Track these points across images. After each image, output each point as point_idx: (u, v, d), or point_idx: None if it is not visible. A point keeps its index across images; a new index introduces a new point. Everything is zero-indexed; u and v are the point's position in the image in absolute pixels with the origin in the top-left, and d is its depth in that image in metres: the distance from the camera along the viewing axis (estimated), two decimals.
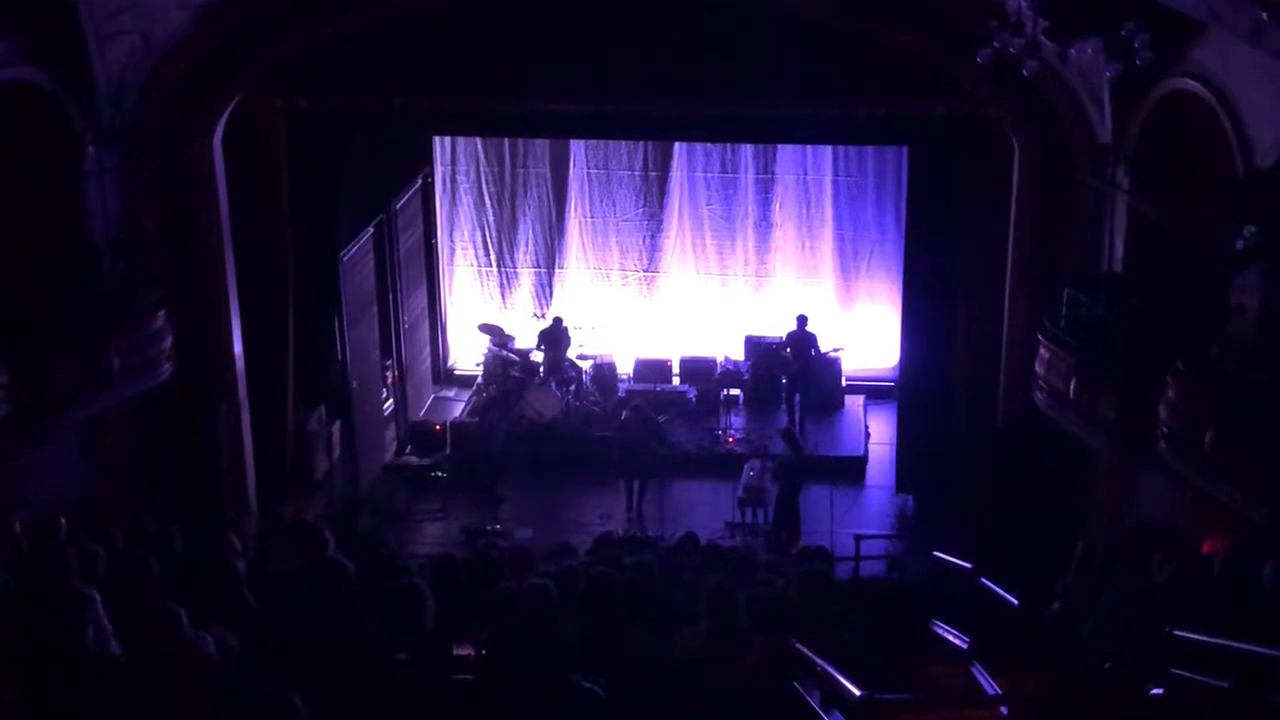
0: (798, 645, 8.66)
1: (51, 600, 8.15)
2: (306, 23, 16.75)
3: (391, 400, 21.85)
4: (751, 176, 23.76)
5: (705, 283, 24.20)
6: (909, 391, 20.06)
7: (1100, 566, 11.45)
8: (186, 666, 6.90)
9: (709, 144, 23.29)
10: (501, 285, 24.51)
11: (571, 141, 23.51)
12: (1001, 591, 11.56)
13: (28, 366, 14.40)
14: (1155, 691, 8.76)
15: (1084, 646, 9.80)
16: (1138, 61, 9.15)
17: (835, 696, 8.31)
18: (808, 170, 23.60)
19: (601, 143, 23.53)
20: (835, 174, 23.54)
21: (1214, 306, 13.85)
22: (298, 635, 7.90)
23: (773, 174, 23.72)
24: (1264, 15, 10.68)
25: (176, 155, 16.93)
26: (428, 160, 23.59)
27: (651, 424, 19.79)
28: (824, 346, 22.15)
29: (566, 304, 23.84)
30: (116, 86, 16.01)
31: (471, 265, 24.52)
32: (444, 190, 24.15)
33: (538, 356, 22.57)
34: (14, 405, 14.16)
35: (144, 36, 15.84)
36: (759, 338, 23.18)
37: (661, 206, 23.93)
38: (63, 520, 10.95)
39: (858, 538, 16.56)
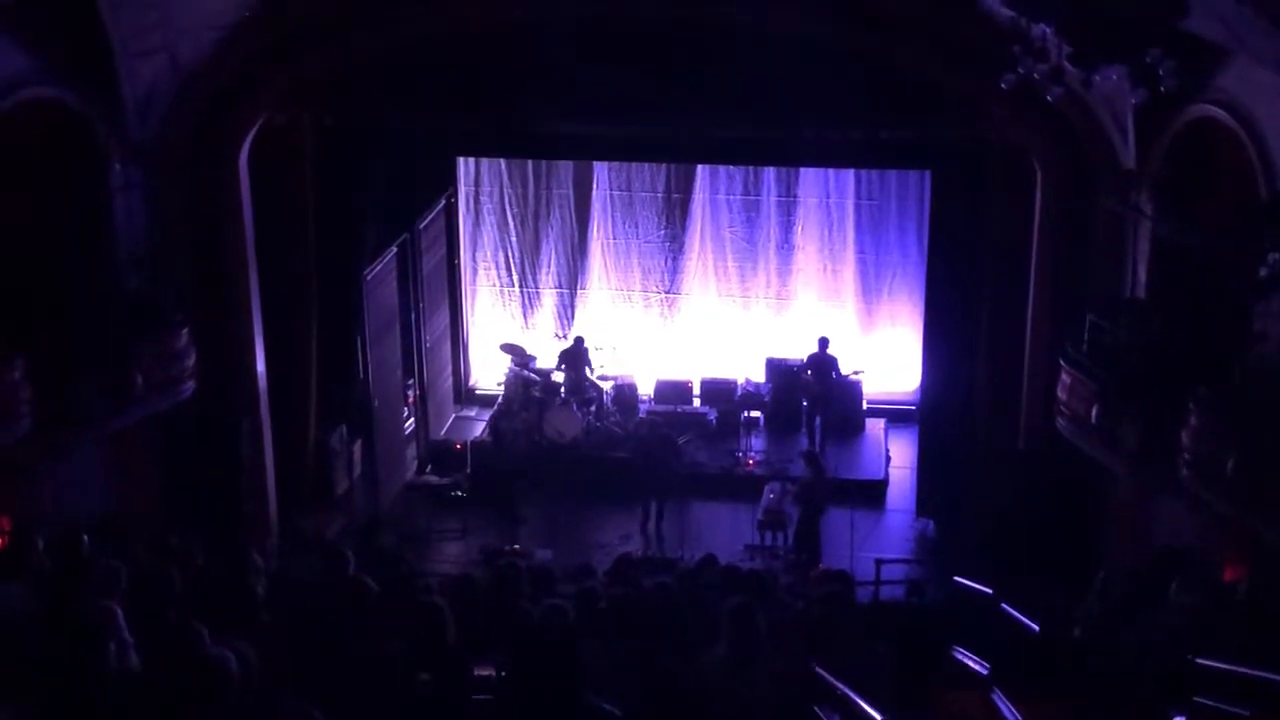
0: (817, 669, 8.64)
1: (74, 616, 8.18)
2: (333, 43, 16.87)
3: (413, 419, 21.88)
4: (774, 199, 23.77)
5: (727, 305, 24.19)
6: (930, 415, 20.01)
7: (1122, 592, 11.42)
8: (208, 683, 6.92)
9: (731, 167, 23.32)
10: (523, 305, 24.55)
11: (594, 163, 23.56)
12: (1022, 617, 11.52)
13: (52, 382, 14.49)
14: (1177, 719, 8.73)
15: (1105, 673, 9.76)
16: (1162, 88, 9.16)
17: None
18: (830, 194, 23.60)
19: (624, 165, 23.57)
20: (858, 197, 23.52)
21: (1237, 333, 13.82)
22: (319, 653, 7.92)
23: (795, 197, 23.71)
24: None
25: (202, 173, 17.04)
26: (451, 180, 23.65)
27: (667, 441, 19.78)
28: (845, 369, 22.11)
29: (588, 325, 23.85)
30: (144, 104, 16.14)
31: (494, 285, 24.56)
32: (467, 210, 24.21)
33: (559, 377, 22.59)
34: (38, 420, 14.25)
35: (172, 55, 15.97)
36: (780, 360, 23.15)
37: (684, 228, 23.95)
38: (85, 536, 10.99)
39: (878, 562, 16.53)
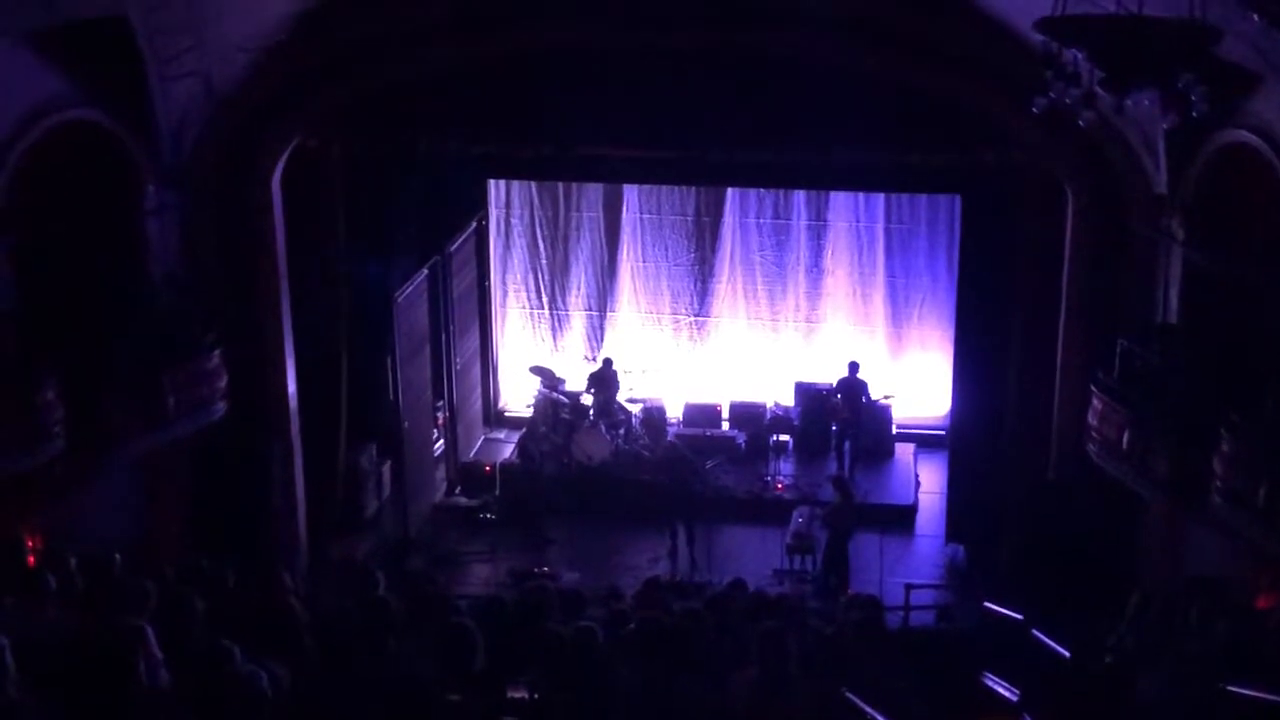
0: (848, 694, 8.62)
1: (104, 634, 8.22)
2: (365, 67, 16.95)
3: (442, 441, 21.94)
4: (804, 223, 23.74)
5: (756, 328, 24.18)
6: (960, 440, 19.95)
7: (1154, 620, 11.36)
8: (240, 701, 6.94)
9: (761, 190, 23.33)
10: (553, 328, 24.57)
11: (624, 186, 23.60)
12: (1053, 643, 11.47)
13: (84, 403, 14.58)
14: None
15: (1137, 701, 9.71)
16: (1194, 113, 9.12)
17: None
18: (860, 217, 23.57)
19: (654, 188, 23.61)
20: (888, 221, 23.49)
21: (1269, 359, 13.75)
22: (350, 675, 7.94)
23: (825, 221, 23.68)
24: None
25: (235, 195, 17.14)
26: (482, 203, 23.72)
27: (689, 465, 19.76)
28: (875, 394, 22.09)
29: (617, 347, 23.88)
30: (178, 127, 16.25)
31: (523, 307, 24.60)
32: (498, 233, 24.27)
33: (588, 399, 22.61)
34: (70, 441, 14.33)
35: (206, 78, 16.08)
36: (809, 384, 23.13)
37: (713, 252, 23.96)
38: (117, 556, 11.04)
39: (908, 587, 16.49)
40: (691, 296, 24.18)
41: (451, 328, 21.84)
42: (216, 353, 16.65)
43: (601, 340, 24.36)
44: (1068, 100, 9.07)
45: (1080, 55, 8.93)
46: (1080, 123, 9.65)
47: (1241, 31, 11.40)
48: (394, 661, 8.20)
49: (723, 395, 23.57)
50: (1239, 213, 15.01)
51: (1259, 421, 13.21)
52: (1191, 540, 15.56)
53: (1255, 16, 10.84)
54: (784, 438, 22.81)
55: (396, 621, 8.87)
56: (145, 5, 14.53)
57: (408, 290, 19.80)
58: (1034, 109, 9.38)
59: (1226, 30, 9.44)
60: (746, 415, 23.11)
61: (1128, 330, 16.13)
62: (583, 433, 21.67)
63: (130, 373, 15.47)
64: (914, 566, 19.32)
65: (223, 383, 16.75)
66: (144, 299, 16.15)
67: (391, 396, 19.94)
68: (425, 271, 20.63)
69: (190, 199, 16.73)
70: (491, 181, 23.72)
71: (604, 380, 22.51)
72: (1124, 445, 15.23)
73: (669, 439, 22.16)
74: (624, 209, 23.97)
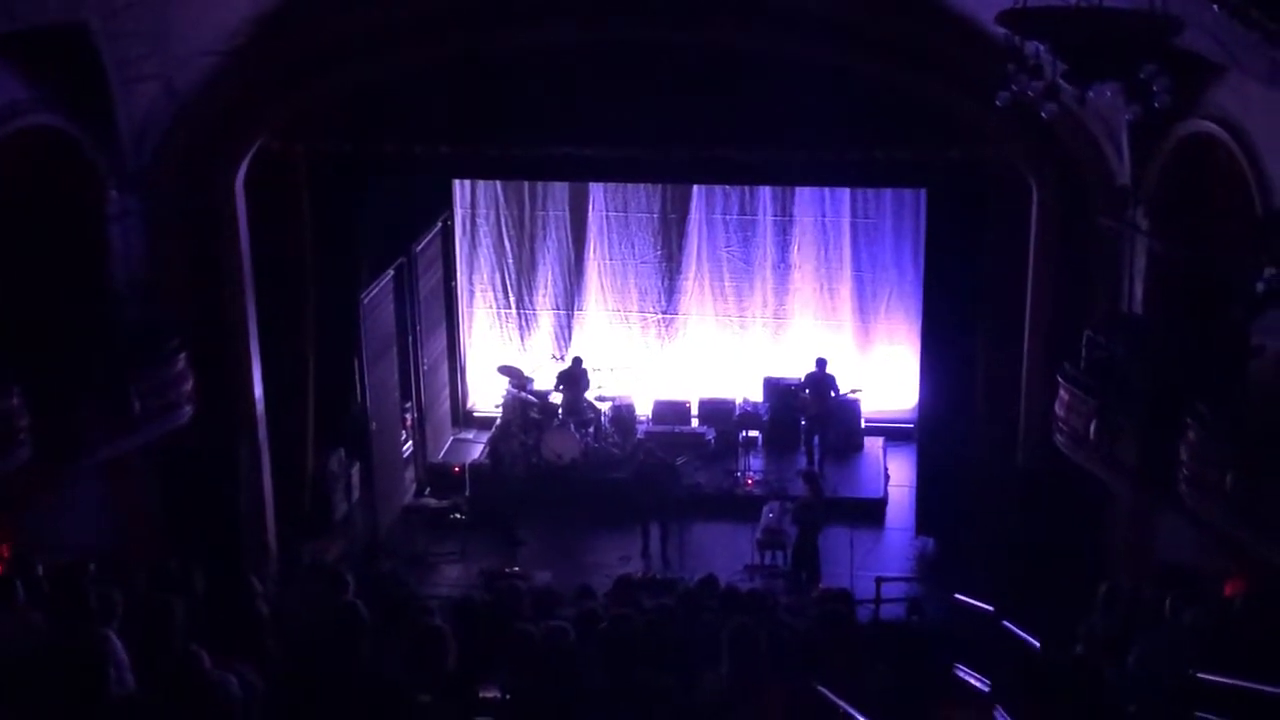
0: (819, 688, 8.63)
1: (71, 643, 8.17)
2: (329, 70, 16.87)
3: (411, 442, 21.88)
4: (770, 219, 23.76)
5: (724, 324, 24.18)
6: (929, 433, 20.01)
7: (1124, 609, 11.42)
8: (211, 707, 6.91)
9: (727, 187, 23.34)
10: (520, 327, 24.53)
11: (590, 184, 23.57)
12: (1023, 634, 11.52)
13: (50, 409, 14.48)
14: None
15: (1108, 689, 9.76)
16: (1156, 104, 9.17)
17: None
18: (826, 212, 23.60)
19: (620, 185, 23.58)
20: (854, 216, 23.52)
21: (1234, 348, 13.83)
22: (321, 677, 7.91)
23: (791, 216, 23.71)
24: None
25: (198, 199, 17.01)
26: (448, 203, 23.66)
27: (667, 468, 19.77)
28: (843, 388, 22.11)
29: (585, 346, 23.85)
30: (140, 131, 16.13)
31: (490, 307, 24.55)
32: (464, 233, 24.21)
33: (557, 398, 22.59)
34: (36, 448, 14.23)
35: (168, 82, 15.97)
36: (778, 379, 23.15)
37: (680, 249, 23.94)
38: (91, 565, 10.99)
39: (878, 580, 16.53)
40: (659, 294, 24.16)
41: (418, 328, 21.80)
42: (182, 356, 16.54)
43: (569, 339, 24.33)
44: (1030, 93, 9.11)
45: (1042, 48, 8.97)
46: (1043, 115, 9.69)
47: (1203, 22, 11.45)
48: (365, 664, 8.17)
49: (691, 392, 23.57)
50: (1202, 203, 15.10)
51: (1224, 410, 13.29)
52: (1160, 529, 15.64)
53: (1216, 7, 10.88)
54: (753, 434, 22.87)
55: (367, 624, 8.84)
56: (106, 10, 14.42)
57: (374, 291, 19.74)
58: (997, 102, 9.41)
59: (1188, 21, 9.47)
60: (715, 412, 23.13)
61: (1093, 321, 16.21)
62: (552, 432, 21.65)
63: (96, 378, 15.36)
64: (884, 560, 19.37)
65: (189, 386, 16.64)
66: (108, 304, 16.05)
67: (359, 398, 19.91)
68: (391, 272, 20.57)
69: (153, 203, 16.62)
70: (456, 181, 23.67)
71: (573, 379, 22.48)
72: (1091, 435, 15.30)
73: (640, 437, 22.16)
74: (590, 207, 23.94)
